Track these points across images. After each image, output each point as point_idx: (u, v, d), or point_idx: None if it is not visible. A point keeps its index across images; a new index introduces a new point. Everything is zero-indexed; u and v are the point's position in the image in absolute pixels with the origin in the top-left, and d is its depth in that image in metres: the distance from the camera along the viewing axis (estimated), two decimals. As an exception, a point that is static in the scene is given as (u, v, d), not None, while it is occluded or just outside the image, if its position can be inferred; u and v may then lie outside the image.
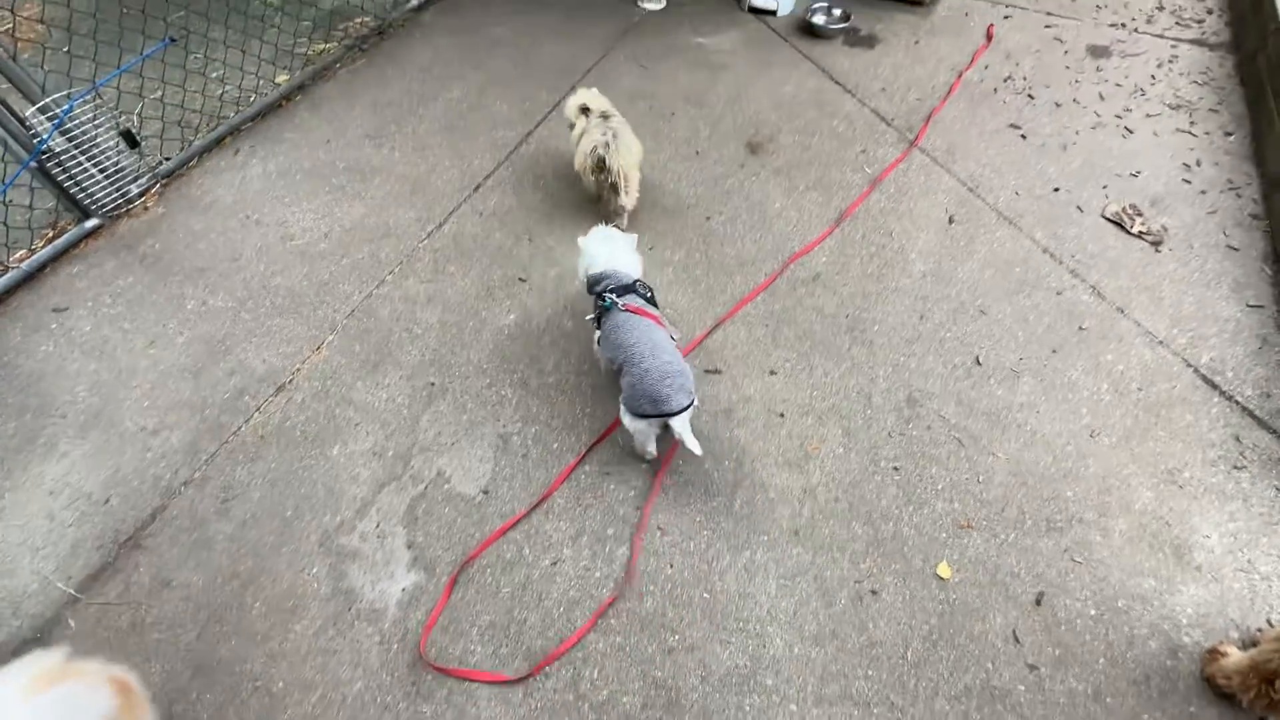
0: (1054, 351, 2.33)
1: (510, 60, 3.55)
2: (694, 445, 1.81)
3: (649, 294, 1.98)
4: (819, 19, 3.63)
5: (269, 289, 2.56)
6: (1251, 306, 2.44)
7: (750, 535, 1.94)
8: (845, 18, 3.64)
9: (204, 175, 3.00)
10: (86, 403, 2.24)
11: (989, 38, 3.61)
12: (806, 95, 3.32)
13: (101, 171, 2.69)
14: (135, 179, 2.84)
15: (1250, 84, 3.24)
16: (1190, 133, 3.08)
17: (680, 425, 1.81)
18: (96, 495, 2.04)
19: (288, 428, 2.18)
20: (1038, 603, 1.81)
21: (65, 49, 2.56)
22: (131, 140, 2.78)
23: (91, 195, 2.69)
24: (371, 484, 2.06)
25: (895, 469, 2.07)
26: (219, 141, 3.12)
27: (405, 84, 3.43)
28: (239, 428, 2.18)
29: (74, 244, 2.69)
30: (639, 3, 3.89)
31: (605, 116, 2.52)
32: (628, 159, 2.46)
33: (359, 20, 3.74)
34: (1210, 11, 3.77)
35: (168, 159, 2.97)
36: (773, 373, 2.29)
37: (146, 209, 2.85)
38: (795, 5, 3.81)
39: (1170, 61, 3.45)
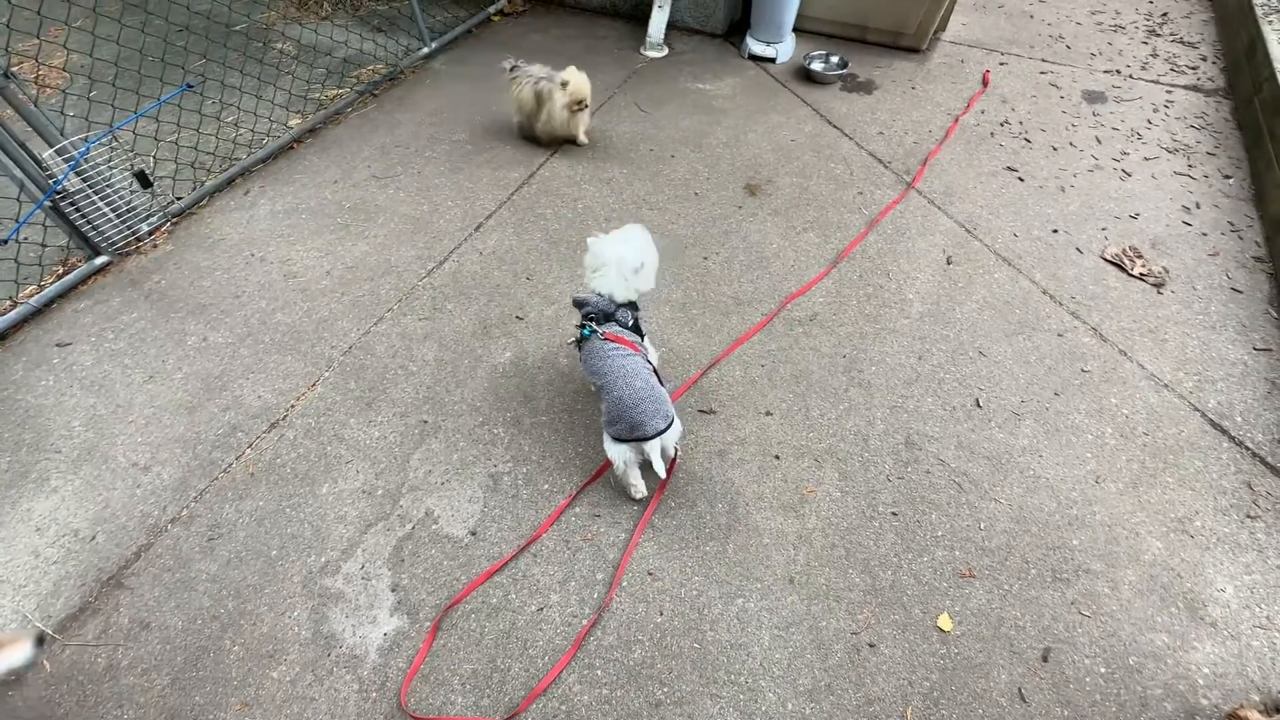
0: (1056, 394, 2.29)
1: (516, 105, 3.66)
2: (660, 468, 1.84)
3: (631, 321, 1.96)
4: (817, 65, 3.72)
5: (269, 325, 2.58)
6: (1259, 350, 2.40)
7: (744, 582, 1.89)
8: (843, 64, 3.72)
9: (214, 214, 3.07)
10: (82, 437, 2.25)
11: (985, 83, 3.67)
12: (804, 139, 3.38)
13: (114, 210, 2.77)
14: (147, 218, 2.91)
15: (1247, 128, 3.26)
16: (1189, 176, 3.09)
17: (653, 449, 1.81)
18: (84, 531, 2.02)
19: (278, 465, 2.17)
20: (1044, 659, 1.73)
21: (88, 94, 2.66)
22: (145, 181, 2.87)
23: (103, 233, 2.76)
24: (359, 523, 2.03)
25: (894, 514, 2.01)
26: (230, 182, 3.21)
27: (414, 127, 3.53)
28: (230, 464, 2.17)
29: (82, 280, 2.74)
30: (642, 50, 4.01)
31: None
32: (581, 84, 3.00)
33: (371, 68, 3.88)
34: (1204, 59, 3.83)
35: (179, 199, 3.05)
36: (768, 414, 2.26)
37: (155, 246, 2.91)
38: (793, 53, 3.91)
39: (1166, 106, 3.49)
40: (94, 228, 2.73)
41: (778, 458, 2.15)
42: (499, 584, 1.89)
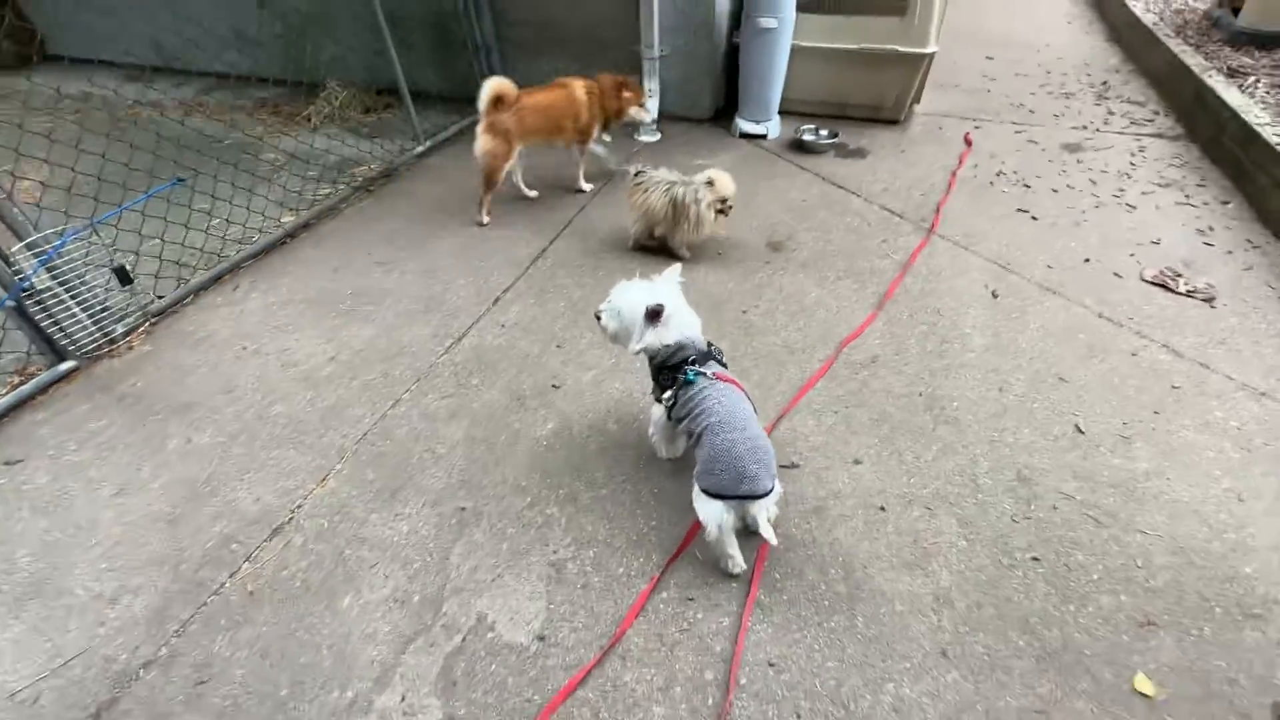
0: (1156, 413, 2.11)
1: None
2: (769, 534, 1.52)
3: (722, 356, 1.74)
4: (808, 136, 3.85)
5: (266, 419, 2.24)
6: (1336, 351, 2.31)
7: (888, 662, 1.52)
8: (833, 135, 3.87)
9: (199, 311, 2.79)
10: (30, 569, 1.80)
11: (968, 143, 3.84)
12: (814, 199, 3.40)
13: (86, 311, 2.46)
14: (122, 318, 2.61)
15: (1224, 163, 3.44)
16: (1190, 204, 3.18)
17: (761, 512, 1.53)
18: (24, 694, 1.54)
19: (284, 579, 1.76)
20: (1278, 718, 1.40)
21: (68, 187, 2.45)
22: (125, 277, 2.60)
23: (71, 336, 2.43)
24: (394, 642, 1.61)
25: (1034, 559, 1.72)
26: (218, 279, 2.96)
27: (416, 216, 3.42)
28: (222, 584, 1.75)
29: (41, 390, 2.37)
30: (636, 136, 4.11)
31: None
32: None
33: (367, 166, 3.83)
34: (1157, 113, 4.14)
35: (160, 297, 2.77)
36: (858, 462, 2.00)
37: (131, 348, 2.58)
38: (781, 130, 4.06)
39: (1141, 151, 3.69)
40: (62, 330, 2.41)
41: (883, 509, 1.86)
42: (585, 700, 1.48)
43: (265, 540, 1.86)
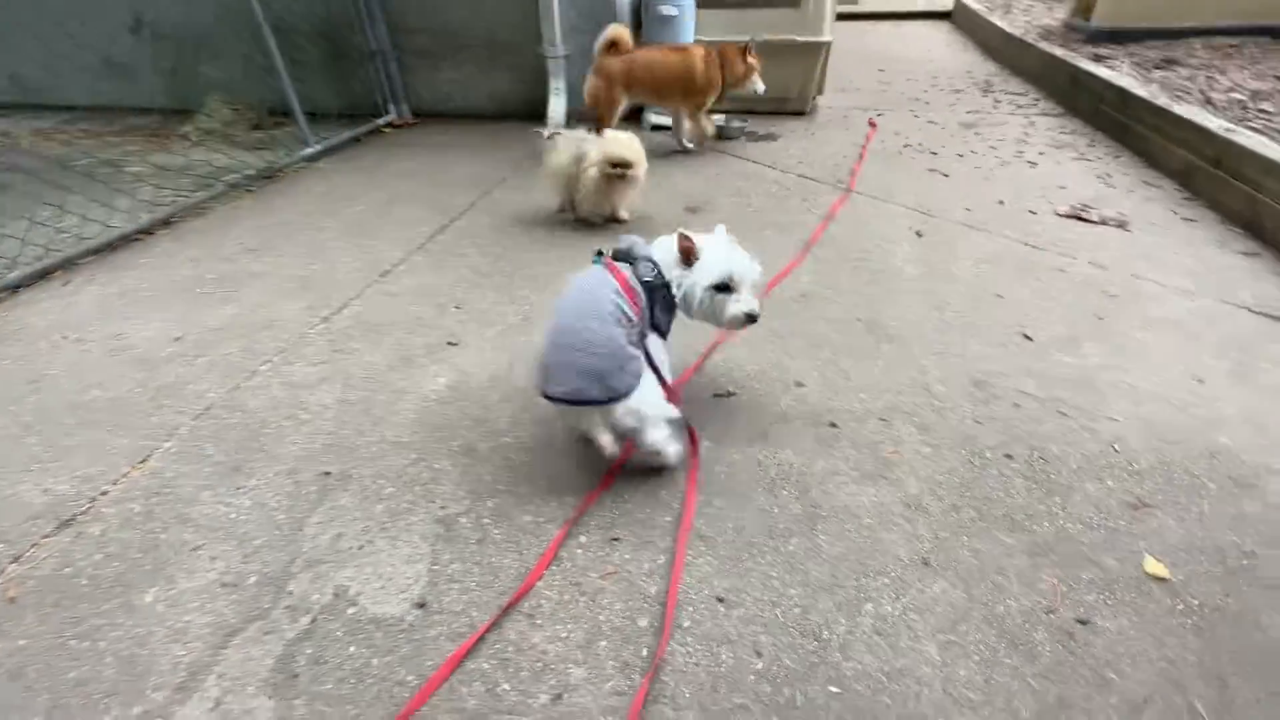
0: (1099, 317, 2.00)
1: (419, 181, 3.33)
2: (605, 445, 1.44)
3: (652, 277, 1.43)
4: (719, 122, 3.82)
5: (77, 406, 1.77)
6: (1246, 254, 2.32)
7: (861, 580, 1.23)
8: (744, 122, 3.86)
9: (15, 308, 2.30)
10: None
11: (873, 125, 3.92)
12: (731, 173, 3.30)
13: None
14: (-98, 314, 2.10)
15: (1107, 128, 3.62)
16: (1085, 159, 3.28)
17: (592, 423, 1.42)
18: None
19: (65, 577, 1.29)
20: (1308, 583, 1.19)
21: None
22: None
23: None
24: (213, 636, 1.17)
25: (1007, 456, 1.50)
26: (45, 274, 2.49)
27: (298, 208, 3.06)
28: (-29, 594, 1.26)
29: None
30: (544, 133, 3.95)
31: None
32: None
33: (245, 173, 3.45)
34: (1037, 100, 4.40)
35: (-39, 295, 2.27)
36: (800, 384, 1.75)
37: (-90, 350, 2.06)
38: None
39: (1031, 125, 3.85)
40: None
41: (834, 425, 1.61)
42: (478, 672, 1.09)
43: (50, 534, 1.39)
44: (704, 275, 1.42)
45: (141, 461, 1.58)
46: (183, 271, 2.51)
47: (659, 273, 1.45)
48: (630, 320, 1.35)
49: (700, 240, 1.45)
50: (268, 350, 1.99)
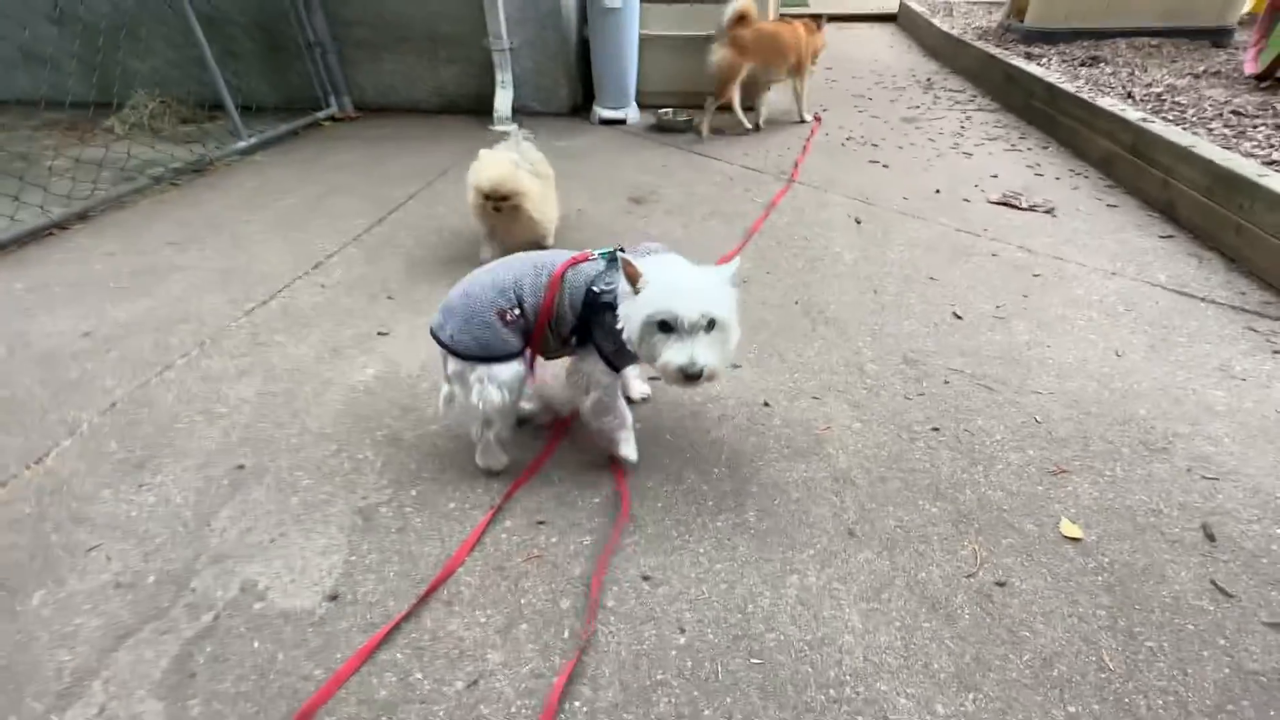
0: (1025, 296, 2.06)
1: (357, 174, 3.24)
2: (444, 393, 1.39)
3: (600, 288, 1.26)
4: (668, 115, 3.83)
5: (-32, 406, 1.65)
6: (1164, 237, 2.42)
7: (787, 553, 1.22)
8: (690, 117, 3.88)
9: (-97, 307, 2.13)
10: None
11: (818, 120, 3.98)
12: (677, 164, 3.30)
13: None
14: None
15: (1038, 122, 3.76)
16: (1017, 150, 3.40)
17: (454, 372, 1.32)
18: None
19: (-59, 585, 1.19)
20: (1210, 537, 1.24)
21: None
22: None
23: None
24: (103, 638, 1.09)
25: (935, 430, 1.52)
26: (-59, 271, 2.32)
27: (227, 202, 2.94)
28: None
29: None
30: (490, 127, 3.90)
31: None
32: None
33: (170, 166, 3.30)
34: (974, 97, 4.54)
35: None
36: (736, 366, 1.75)
37: None
38: (639, 118, 4.03)
39: (967, 119, 3.97)
40: None
41: (767, 404, 1.61)
42: (390, 663, 1.05)
43: (-78, 543, 1.28)
44: (641, 306, 1.14)
45: (36, 461, 1.47)
46: (97, 266, 2.37)
47: (614, 291, 1.23)
48: (519, 309, 1.26)
49: (646, 265, 1.17)
50: (185, 344, 1.89)
